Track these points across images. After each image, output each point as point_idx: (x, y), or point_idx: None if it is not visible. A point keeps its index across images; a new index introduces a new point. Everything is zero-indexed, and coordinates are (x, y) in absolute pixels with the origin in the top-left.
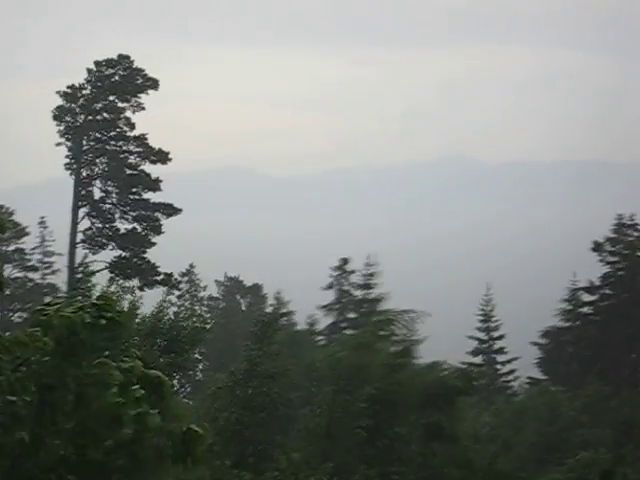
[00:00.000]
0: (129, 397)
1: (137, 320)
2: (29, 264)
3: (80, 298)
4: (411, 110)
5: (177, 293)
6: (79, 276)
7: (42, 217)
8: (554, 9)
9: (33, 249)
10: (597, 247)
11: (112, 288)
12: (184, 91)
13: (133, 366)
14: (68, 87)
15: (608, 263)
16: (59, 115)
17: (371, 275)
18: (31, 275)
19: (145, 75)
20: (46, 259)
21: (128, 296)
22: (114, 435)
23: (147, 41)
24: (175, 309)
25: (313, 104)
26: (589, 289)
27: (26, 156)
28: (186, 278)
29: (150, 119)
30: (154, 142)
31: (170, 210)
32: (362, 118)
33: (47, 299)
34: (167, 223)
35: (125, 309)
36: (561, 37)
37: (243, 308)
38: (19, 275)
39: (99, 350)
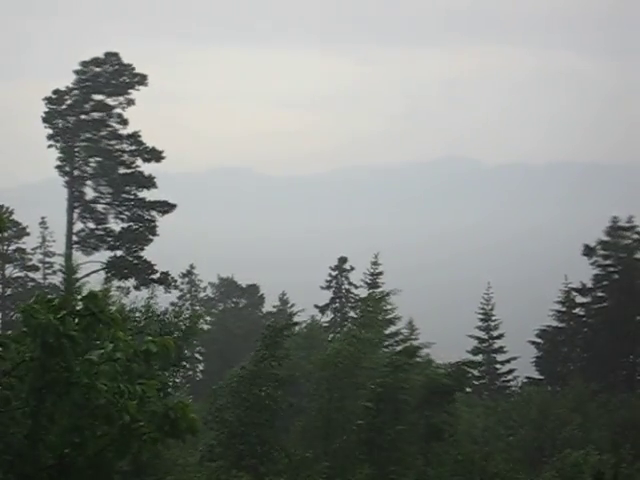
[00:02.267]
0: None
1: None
2: (30, 264)
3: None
4: (412, 110)
5: (178, 294)
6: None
7: (43, 217)
8: (556, 10)
9: (34, 249)
10: (588, 251)
11: (107, 287)
12: (185, 91)
13: (116, 349)
14: (53, 92)
15: (600, 266)
16: (49, 119)
17: (375, 274)
18: (32, 275)
19: (132, 70)
20: (47, 259)
21: (119, 294)
22: (108, 430)
23: (149, 42)
24: (167, 307)
25: (314, 104)
26: (581, 291)
27: (27, 156)
28: (186, 279)
29: (150, 119)
30: (151, 142)
31: (165, 207)
32: (363, 118)
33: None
34: (166, 224)
35: (115, 307)
36: (561, 38)
37: (240, 309)
38: (20, 275)
39: (87, 349)
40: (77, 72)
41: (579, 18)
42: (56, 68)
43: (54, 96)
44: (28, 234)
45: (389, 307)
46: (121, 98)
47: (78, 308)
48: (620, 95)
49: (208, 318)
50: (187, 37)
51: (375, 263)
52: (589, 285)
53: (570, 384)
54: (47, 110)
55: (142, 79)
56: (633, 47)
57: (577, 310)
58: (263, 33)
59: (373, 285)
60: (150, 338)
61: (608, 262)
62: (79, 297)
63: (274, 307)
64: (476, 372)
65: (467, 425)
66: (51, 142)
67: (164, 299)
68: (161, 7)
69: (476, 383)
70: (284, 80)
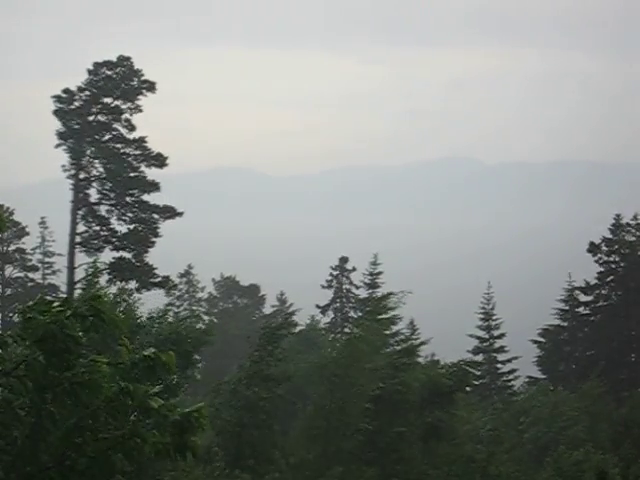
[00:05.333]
0: (122, 388)
1: (139, 321)
2: (29, 264)
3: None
4: (415, 110)
5: (176, 294)
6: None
7: (42, 217)
8: (561, 10)
9: (33, 249)
10: (592, 248)
11: (110, 289)
12: (186, 91)
13: (120, 354)
14: (63, 91)
15: (604, 263)
16: (59, 116)
17: (374, 274)
18: (32, 275)
19: (142, 76)
20: (46, 259)
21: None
22: (112, 431)
23: (149, 42)
24: (175, 310)
25: (316, 104)
26: (585, 289)
27: (27, 156)
28: (184, 279)
29: (150, 119)
30: (153, 144)
31: (169, 212)
32: (364, 118)
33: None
34: (166, 224)
35: (120, 309)
36: (567, 39)
37: (239, 309)
38: (20, 275)
39: (89, 349)
40: (89, 73)
41: (584, 19)
42: (56, 68)
43: (64, 95)
44: (28, 234)
45: (391, 307)
46: (129, 103)
47: (80, 309)
48: (624, 95)
49: (206, 318)
50: (187, 37)
51: (374, 263)
52: (593, 283)
53: (577, 384)
54: (56, 109)
55: (151, 85)
56: (638, 48)
57: (580, 309)
58: (264, 33)
59: (372, 285)
60: (153, 350)
61: (612, 259)
62: (82, 298)
63: (272, 307)
64: (477, 372)
65: (472, 425)
66: (59, 142)
67: (162, 299)
68: (162, 7)
69: (476, 383)
70: (285, 80)
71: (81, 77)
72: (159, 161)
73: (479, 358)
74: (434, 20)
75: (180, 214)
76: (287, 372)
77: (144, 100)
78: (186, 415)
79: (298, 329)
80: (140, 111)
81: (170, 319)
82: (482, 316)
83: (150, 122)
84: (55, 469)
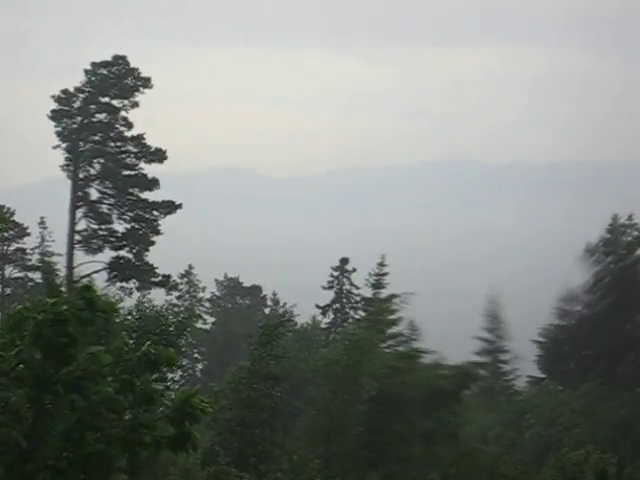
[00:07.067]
0: (123, 382)
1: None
2: (29, 264)
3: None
4: (418, 110)
5: (176, 294)
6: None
7: (42, 217)
8: (562, 10)
9: (33, 249)
10: (589, 248)
11: (110, 288)
12: (186, 91)
13: (121, 347)
14: (62, 91)
15: (601, 263)
16: (56, 118)
17: (379, 275)
18: (31, 275)
19: (139, 74)
20: (46, 259)
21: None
22: (112, 427)
23: (149, 42)
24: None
25: (317, 104)
26: (584, 289)
27: (26, 157)
28: (185, 279)
29: (150, 120)
30: (153, 142)
31: (169, 207)
32: (365, 119)
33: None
34: (167, 224)
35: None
36: (569, 38)
37: (241, 309)
38: (20, 275)
39: (87, 343)
40: (86, 73)
41: (587, 19)
42: (56, 68)
43: (63, 95)
44: (28, 234)
45: (395, 309)
46: (126, 101)
47: (75, 302)
48: (628, 95)
49: (208, 318)
50: (187, 37)
51: (381, 264)
52: (591, 283)
53: (576, 384)
54: (54, 109)
55: (146, 82)
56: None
57: (579, 308)
58: (264, 32)
59: (378, 286)
60: (154, 346)
61: (609, 259)
62: (73, 293)
63: (271, 308)
64: (482, 373)
65: (475, 425)
66: (57, 142)
67: (162, 300)
68: (161, 7)
69: (482, 383)
70: (286, 80)
71: (80, 77)
72: (158, 156)
73: (485, 359)
74: (436, 20)
75: (179, 206)
76: (287, 369)
77: (144, 100)
78: (185, 399)
79: (296, 329)
80: (137, 106)
81: (147, 311)
82: (487, 318)
83: (150, 122)
84: (54, 466)
